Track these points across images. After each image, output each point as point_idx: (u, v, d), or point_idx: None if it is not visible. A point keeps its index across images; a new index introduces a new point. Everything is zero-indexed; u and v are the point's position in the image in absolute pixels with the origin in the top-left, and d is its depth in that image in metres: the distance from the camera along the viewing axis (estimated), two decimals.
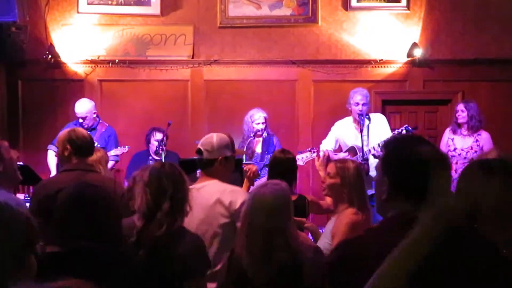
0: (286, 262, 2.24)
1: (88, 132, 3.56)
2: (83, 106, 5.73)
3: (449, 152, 5.61)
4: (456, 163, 5.52)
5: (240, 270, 2.30)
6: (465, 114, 5.55)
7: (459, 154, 5.53)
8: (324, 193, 3.26)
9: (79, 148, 3.29)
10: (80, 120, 5.68)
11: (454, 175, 5.51)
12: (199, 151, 3.08)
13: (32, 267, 1.51)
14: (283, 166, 3.72)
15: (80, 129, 3.49)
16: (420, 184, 1.50)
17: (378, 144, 5.06)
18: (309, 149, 5.66)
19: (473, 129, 5.53)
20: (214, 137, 3.11)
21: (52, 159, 5.72)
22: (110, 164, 5.71)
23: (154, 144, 5.90)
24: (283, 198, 2.32)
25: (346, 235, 2.79)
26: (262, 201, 2.30)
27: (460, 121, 5.59)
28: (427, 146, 1.59)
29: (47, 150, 5.83)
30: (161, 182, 2.43)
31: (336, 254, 1.60)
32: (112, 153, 5.81)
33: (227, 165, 3.10)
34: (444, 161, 1.60)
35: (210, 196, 2.93)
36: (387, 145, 1.69)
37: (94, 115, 5.80)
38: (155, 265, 2.30)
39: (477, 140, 5.52)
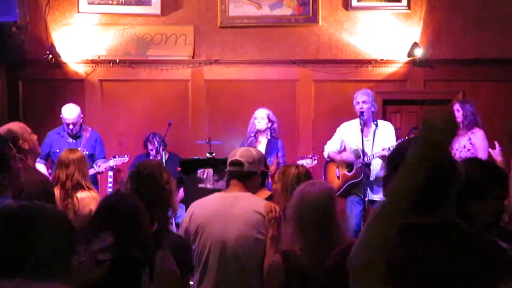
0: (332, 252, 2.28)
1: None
2: (73, 112, 5.58)
3: None
4: None
5: (300, 268, 2.32)
6: (460, 113, 5.52)
7: (454, 154, 5.50)
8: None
9: None
10: (71, 126, 5.54)
11: None
12: (238, 163, 2.90)
13: (75, 269, 1.56)
14: None
15: None
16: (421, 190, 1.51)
17: (383, 149, 5.03)
18: (310, 156, 5.66)
19: (467, 128, 5.50)
20: (253, 150, 3.00)
21: (43, 170, 5.49)
22: (104, 166, 5.65)
23: (150, 153, 6.02)
24: (329, 192, 2.43)
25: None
26: (312, 196, 2.37)
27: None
28: None
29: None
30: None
31: (334, 259, 1.61)
32: (111, 163, 5.74)
33: (259, 180, 3.00)
34: (450, 166, 1.57)
35: (250, 209, 2.84)
36: (395, 149, 1.71)
37: (81, 120, 5.70)
38: None
39: (470, 139, 5.50)
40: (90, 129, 5.82)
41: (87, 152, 5.54)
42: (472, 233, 1.56)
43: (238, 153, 2.94)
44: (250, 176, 2.91)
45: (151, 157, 5.94)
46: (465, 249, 1.48)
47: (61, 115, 5.66)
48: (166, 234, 2.56)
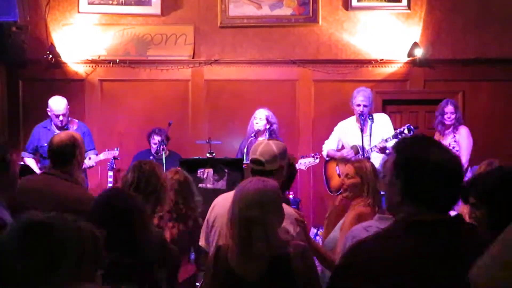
0: (265, 253, 2.26)
1: (68, 141, 3.18)
2: (62, 103, 5.57)
3: None
4: None
5: (227, 266, 2.32)
6: (454, 116, 5.60)
7: None
8: (344, 195, 3.29)
9: (51, 155, 3.21)
10: (61, 118, 5.52)
11: None
12: (258, 162, 2.88)
13: (99, 280, 1.55)
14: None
15: (60, 136, 3.25)
16: (430, 189, 1.54)
17: (384, 140, 5.10)
18: (312, 154, 5.66)
19: (454, 127, 5.61)
20: (273, 146, 2.93)
21: (33, 165, 5.51)
22: (93, 160, 5.64)
23: (153, 146, 5.95)
24: (265, 192, 2.35)
25: (352, 225, 2.86)
26: (244, 191, 2.35)
27: (448, 122, 5.63)
28: (440, 150, 1.60)
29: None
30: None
31: (343, 260, 1.60)
32: (102, 156, 5.76)
33: (282, 174, 2.98)
34: (458, 166, 1.61)
35: None
36: (401, 147, 1.67)
37: (68, 112, 5.67)
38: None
39: (454, 136, 5.59)
40: (76, 121, 5.81)
41: None
42: (475, 225, 1.59)
43: (259, 150, 2.91)
44: (271, 173, 2.87)
45: (151, 157, 5.93)
46: (471, 245, 1.51)
47: (48, 109, 5.62)
48: None
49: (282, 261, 2.29)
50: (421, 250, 1.49)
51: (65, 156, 3.12)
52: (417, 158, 1.58)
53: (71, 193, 3.05)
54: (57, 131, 5.56)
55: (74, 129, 5.59)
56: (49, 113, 5.64)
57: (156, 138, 5.92)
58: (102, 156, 5.77)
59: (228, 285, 2.32)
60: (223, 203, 2.90)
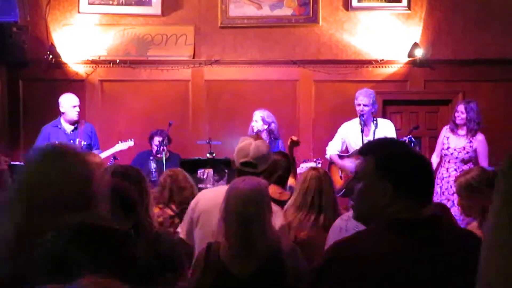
0: (263, 249, 2.31)
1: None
2: (73, 96, 5.70)
3: (443, 151, 5.56)
4: (449, 161, 5.50)
5: (219, 263, 2.35)
6: (464, 116, 5.44)
7: (451, 154, 5.48)
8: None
9: None
10: (77, 109, 5.62)
11: (445, 174, 5.49)
12: (252, 165, 2.86)
13: None
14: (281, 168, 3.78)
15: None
16: (420, 182, 1.60)
17: None
18: (314, 159, 5.65)
19: (471, 132, 5.44)
20: (263, 147, 2.93)
21: None
22: (111, 151, 5.75)
23: (154, 147, 5.95)
24: (258, 189, 2.42)
25: None
26: (238, 189, 2.41)
27: (458, 122, 5.51)
28: (412, 148, 1.69)
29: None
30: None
31: (323, 258, 1.59)
32: (117, 148, 5.83)
33: (269, 171, 3.04)
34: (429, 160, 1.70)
35: None
36: (379, 150, 1.68)
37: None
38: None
39: (470, 141, 5.43)
40: (84, 121, 5.88)
41: (85, 143, 5.60)
42: (453, 225, 1.62)
43: (250, 153, 2.87)
44: (262, 174, 2.90)
45: (151, 157, 5.93)
46: (451, 241, 1.55)
47: (60, 107, 5.64)
48: None
49: (275, 259, 2.33)
50: (404, 248, 1.50)
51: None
52: (401, 155, 1.62)
53: None
54: (68, 130, 5.63)
55: (82, 128, 5.68)
56: (61, 110, 5.65)
57: (157, 139, 5.93)
58: (117, 148, 5.83)
59: (219, 283, 2.34)
60: (206, 200, 2.93)
